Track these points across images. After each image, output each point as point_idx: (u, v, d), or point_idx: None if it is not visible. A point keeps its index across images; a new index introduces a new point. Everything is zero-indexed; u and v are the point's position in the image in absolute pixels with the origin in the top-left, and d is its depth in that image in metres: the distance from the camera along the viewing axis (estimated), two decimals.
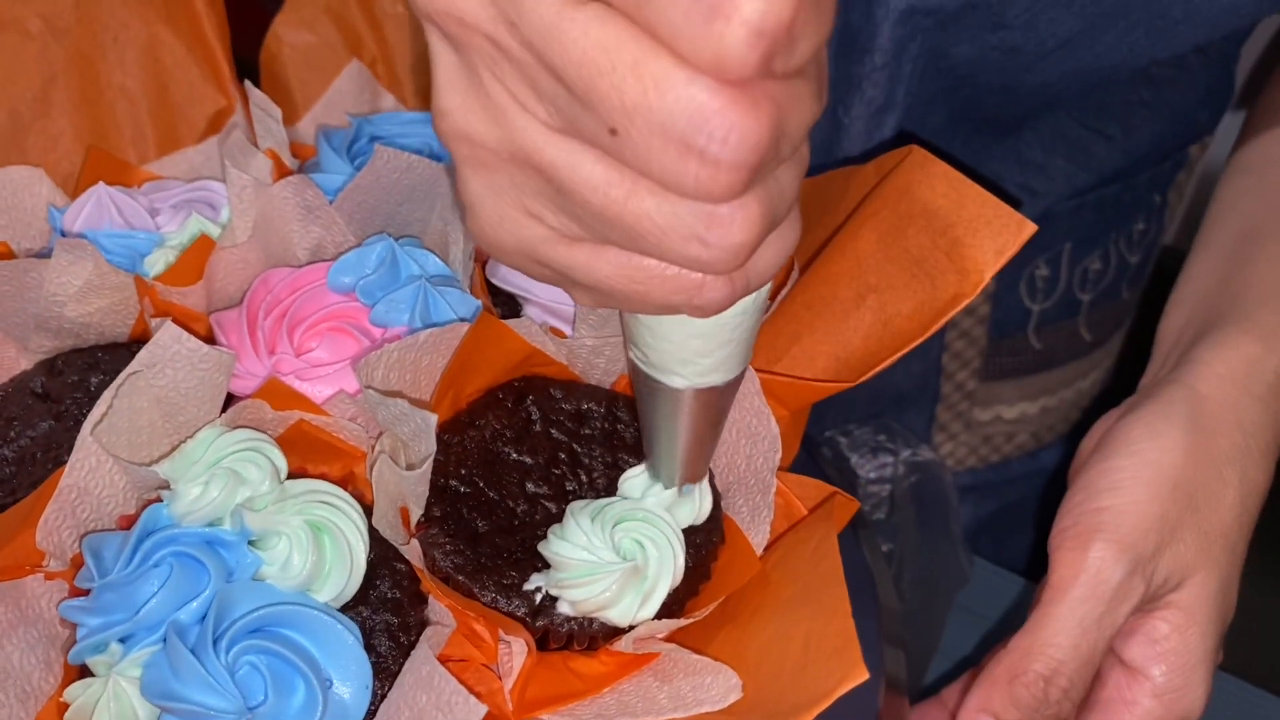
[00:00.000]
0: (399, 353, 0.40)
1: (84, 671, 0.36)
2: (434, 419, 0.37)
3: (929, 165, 0.44)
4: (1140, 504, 0.42)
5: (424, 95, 0.61)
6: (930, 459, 0.59)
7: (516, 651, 0.37)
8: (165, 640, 0.34)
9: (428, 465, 0.38)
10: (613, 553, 0.38)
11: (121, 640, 0.35)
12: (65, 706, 0.35)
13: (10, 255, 0.50)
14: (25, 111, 0.53)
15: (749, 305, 0.31)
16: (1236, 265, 0.50)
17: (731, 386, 0.35)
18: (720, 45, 0.22)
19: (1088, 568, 0.41)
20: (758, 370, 0.45)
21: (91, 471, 0.38)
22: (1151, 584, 0.42)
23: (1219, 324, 0.47)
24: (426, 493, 0.39)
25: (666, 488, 0.39)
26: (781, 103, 0.24)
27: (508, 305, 0.49)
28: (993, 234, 0.42)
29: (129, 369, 0.37)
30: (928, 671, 0.59)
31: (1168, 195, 0.68)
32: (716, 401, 0.35)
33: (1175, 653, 0.41)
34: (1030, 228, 0.42)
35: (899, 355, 0.43)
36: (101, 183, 0.49)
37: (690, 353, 0.32)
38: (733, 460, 0.44)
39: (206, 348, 0.38)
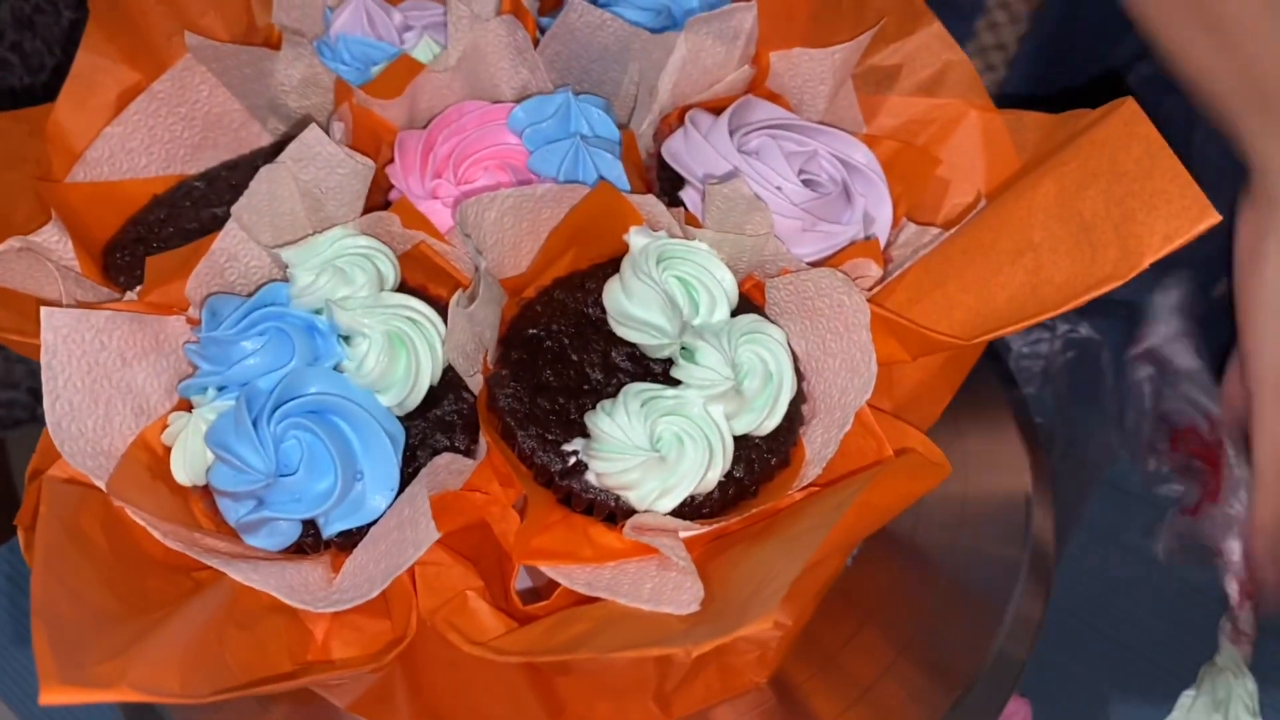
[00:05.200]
0: (514, 200, 0.42)
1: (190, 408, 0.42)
2: (498, 295, 0.38)
3: (1134, 124, 0.39)
4: None
5: None
6: (1089, 336, 0.60)
7: (531, 503, 0.38)
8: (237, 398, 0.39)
9: (493, 315, 0.39)
10: (646, 439, 0.38)
11: (220, 388, 0.41)
12: (164, 428, 0.41)
13: None
14: None
15: None
16: None
17: None
18: None
19: None
20: (884, 308, 0.42)
21: (243, 242, 0.43)
22: None
23: None
24: (493, 336, 0.41)
25: None
26: None
27: (675, 183, 0.48)
28: (1169, 215, 0.37)
29: (276, 160, 0.41)
30: (1068, 543, 0.61)
31: None
32: None
33: None
34: (1212, 218, 0.36)
35: (1032, 323, 0.39)
36: None
37: None
38: (829, 390, 0.42)
39: (343, 154, 0.41)
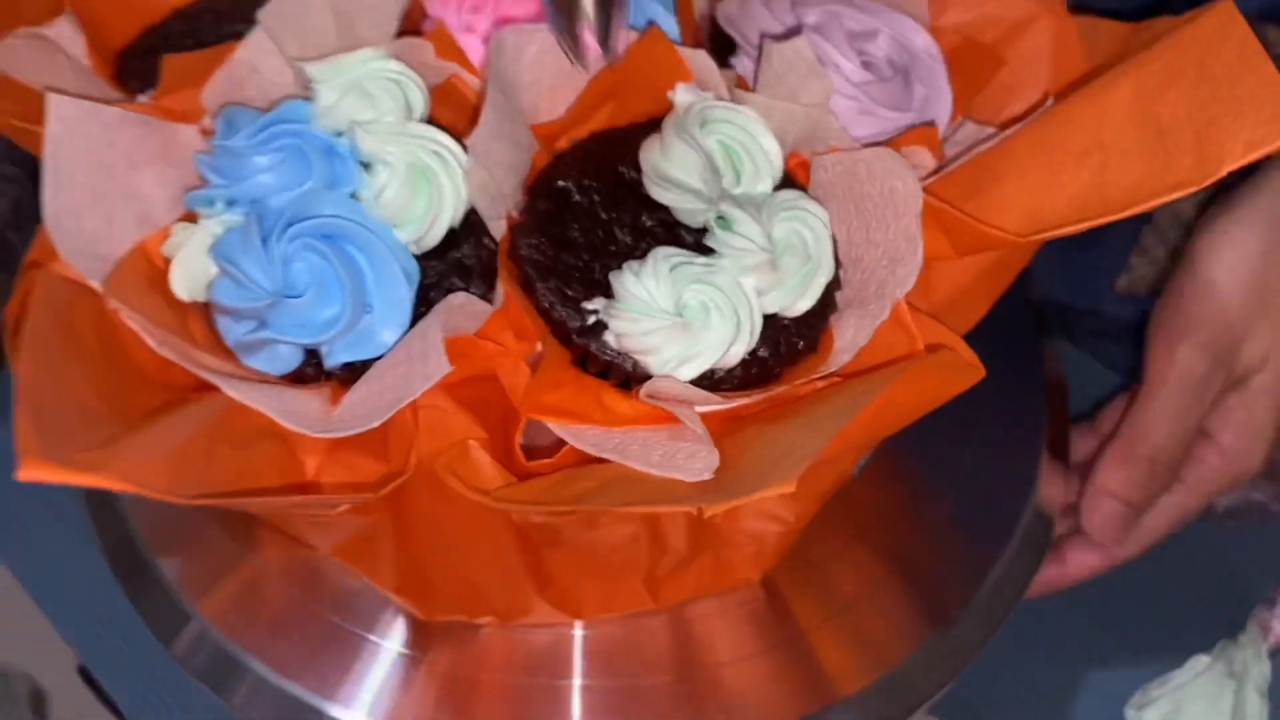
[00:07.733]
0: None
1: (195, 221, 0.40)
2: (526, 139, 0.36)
3: (1229, 25, 0.36)
4: (1221, 309, 0.48)
5: None
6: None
7: (545, 358, 0.37)
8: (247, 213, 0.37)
9: (520, 159, 0.37)
10: (672, 304, 0.37)
11: (229, 203, 0.39)
12: (165, 239, 0.39)
13: None
14: None
15: None
16: None
17: None
18: None
19: (1176, 366, 0.48)
20: (939, 198, 0.40)
21: (266, 54, 0.40)
22: (1232, 374, 0.49)
23: None
24: (520, 184, 0.39)
25: None
26: None
27: (727, 51, 0.46)
28: (1256, 123, 0.34)
29: None
30: None
31: None
32: None
33: (1242, 423, 0.49)
34: None
35: (1091, 225, 0.37)
36: None
37: None
38: (867, 280, 0.40)
39: None
